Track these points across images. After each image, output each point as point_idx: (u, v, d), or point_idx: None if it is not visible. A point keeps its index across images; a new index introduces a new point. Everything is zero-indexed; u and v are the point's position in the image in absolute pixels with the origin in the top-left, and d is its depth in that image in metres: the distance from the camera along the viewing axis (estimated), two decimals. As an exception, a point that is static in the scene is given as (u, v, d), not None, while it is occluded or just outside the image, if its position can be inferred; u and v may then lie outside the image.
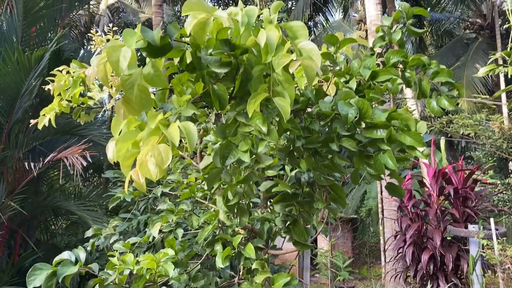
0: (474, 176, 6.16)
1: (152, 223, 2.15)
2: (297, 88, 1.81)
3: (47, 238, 6.71)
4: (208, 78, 1.37)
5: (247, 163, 1.33)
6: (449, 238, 5.71)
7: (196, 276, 2.17)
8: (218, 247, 2.14)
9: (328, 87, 1.85)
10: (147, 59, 1.27)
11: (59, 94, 1.81)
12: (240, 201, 1.75)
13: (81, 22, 13.81)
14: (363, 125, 1.64)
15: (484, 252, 4.64)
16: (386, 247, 7.75)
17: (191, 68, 1.36)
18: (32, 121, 2.04)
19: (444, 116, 7.36)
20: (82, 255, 1.87)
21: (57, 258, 1.82)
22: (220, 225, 2.20)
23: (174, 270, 2.02)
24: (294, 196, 1.87)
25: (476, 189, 6.27)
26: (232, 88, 1.40)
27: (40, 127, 1.88)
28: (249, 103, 1.31)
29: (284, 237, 2.09)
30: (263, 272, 2.02)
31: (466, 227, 5.33)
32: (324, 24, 16.37)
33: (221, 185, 2.02)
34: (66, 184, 6.86)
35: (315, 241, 12.20)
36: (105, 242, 2.79)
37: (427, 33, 17.17)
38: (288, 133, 1.68)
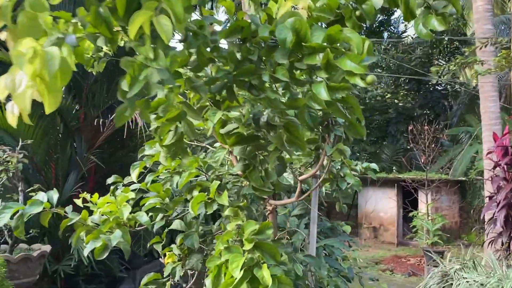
0: None
1: (133, 168, 2.13)
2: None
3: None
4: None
5: (126, 92, 1.19)
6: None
7: (176, 223, 2.12)
8: (196, 193, 2.06)
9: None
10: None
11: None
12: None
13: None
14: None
15: None
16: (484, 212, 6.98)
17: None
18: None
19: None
20: (55, 197, 1.93)
21: (32, 199, 1.89)
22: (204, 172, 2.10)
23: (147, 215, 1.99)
24: (251, 138, 1.69)
25: None
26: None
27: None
28: (130, 24, 1.17)
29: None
30: (235, 219, 1.89)
31: None
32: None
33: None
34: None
35: (415, 203, 11.51)
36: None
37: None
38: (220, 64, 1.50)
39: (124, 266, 6.40)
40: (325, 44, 1.32)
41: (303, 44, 1.35)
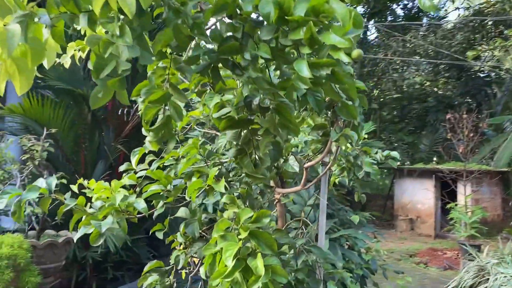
0: None
1: (133, 154, 2.10)
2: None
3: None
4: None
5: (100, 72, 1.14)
6: None
7: (181, 210, 2.08)
8: (194, 179, 2.01)
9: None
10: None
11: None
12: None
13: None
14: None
15: None
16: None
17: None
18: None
19: None
20: (54, 183, 1.92)
21: (30, 185, 1.90)
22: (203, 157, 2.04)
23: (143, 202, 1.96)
24: (243, 122, 1.61)
25: None
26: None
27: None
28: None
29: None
30: (231, 207, 1.83)
31: None
32: None
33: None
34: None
35: (453, 194, 11.06)
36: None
37: None
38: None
39: (152, 253, 6.50)
40: (308, 17, 1.21)
41: (287, 18, 1.25)
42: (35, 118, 5.18)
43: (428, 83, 17.63)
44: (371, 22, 16.29)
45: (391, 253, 9.77)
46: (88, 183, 1.94)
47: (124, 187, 2.12)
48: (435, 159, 15.05)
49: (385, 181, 18.93)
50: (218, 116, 1.68)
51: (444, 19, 17.92)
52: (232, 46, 1.35)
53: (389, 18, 16.96)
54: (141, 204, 1.94)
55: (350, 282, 3.55)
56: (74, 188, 1.93)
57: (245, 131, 1.64)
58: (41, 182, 1.94)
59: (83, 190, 1.98)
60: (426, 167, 12.79)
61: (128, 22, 1.15)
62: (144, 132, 1.58)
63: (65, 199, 1.95)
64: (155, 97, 1.45)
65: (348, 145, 3.13)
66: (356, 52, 1.18)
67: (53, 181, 1.95)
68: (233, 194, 1.89)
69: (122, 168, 2.45)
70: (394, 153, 3.11)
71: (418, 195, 13.29)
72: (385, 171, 16.91)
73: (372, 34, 18.00)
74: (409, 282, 4.11)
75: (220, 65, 1.47)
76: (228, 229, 1.82)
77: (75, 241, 1.84)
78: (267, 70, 1.54)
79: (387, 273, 4.03)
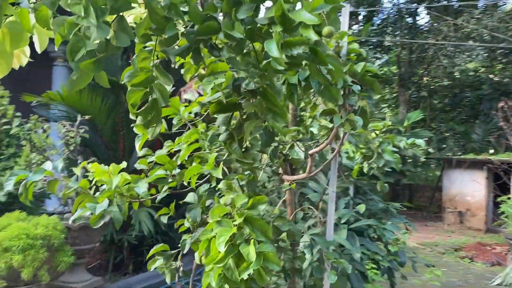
0: None
1: (137, 140, 2.12)
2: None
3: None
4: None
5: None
6: None
7: (190, 195, 2.09)
8: (194, 164, 2.00)
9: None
10: None
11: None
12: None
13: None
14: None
15: None
16: None
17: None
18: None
19: None
20: (60, 166, 1.98)
21: (37, 167, 1.96)
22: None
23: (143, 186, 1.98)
24: (233, 106, 1.57)
25: None
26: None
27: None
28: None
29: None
30: (227, 192, 1.80)
31: None
32: None
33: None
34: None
35: (504, 187, 10.45)
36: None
37: None
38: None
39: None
40: (280, -6, 1.16)
41: (261, -5, 1.20)
42: (73, 106, 5.39)
43: (482, 70, 16.70)
44: (422, 6, 15.57)
45: (435, 246, 9.43)
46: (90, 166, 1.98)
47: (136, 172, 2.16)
48: (491, 150, 14.29)
49: (435, 171, 18.23)
50: (208, 100, 1.66)
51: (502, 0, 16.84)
52: (210, 26, 1.32)
53: (443, 2, 16.15)
54: (141, 188, 1.96)
55: (374, 274, 3.45)
56: (77, 171, 1.97)
57: (236, 115, 1.61)
58: (47, 165, 2.00)
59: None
60: (476, 157, 12.17)
61: (102, 3, 1.14)
62: (131, 116, 1.58)
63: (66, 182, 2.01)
64: (138, 80, 1.44)
65: (373, 133, 3.03)
66: (327, 29, 1.12)
67: (60, 164, 2.01)
68: (231, 180, 1.87)
69: (141, 153, 2.49)
70: (419, 141, 2.96)
71: (467, 187, 12.70)
72: (434, 161, 16.30)
73: (422, 19, 17.22)
74: (437, 276, 3.92)
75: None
76: (226, 215, 1.80)
77: (70, 222, 1.89)
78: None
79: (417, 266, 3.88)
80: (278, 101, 1.46)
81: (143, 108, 1.52)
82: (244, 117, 1.53)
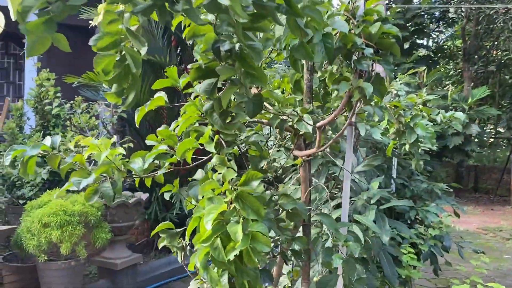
0: None
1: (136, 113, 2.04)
2: None
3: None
4: None
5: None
6: None
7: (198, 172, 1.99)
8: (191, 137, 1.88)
9: None
10: None
11: None
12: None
13: None
14: None
15: None
16: None
17: None
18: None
19: None
20: (57, 140, 1.94)
21: (34, 142, 1.94)
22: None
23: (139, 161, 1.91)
24: (213, 72, 1.42)
25: None
26: None
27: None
28: None
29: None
30: (220, 167, 1.67)
31: None
32: None
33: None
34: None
35: None
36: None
37: None
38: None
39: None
40: None
41: None
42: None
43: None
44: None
45: (499, 231, 8.77)
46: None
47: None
48: None
49: (505, 152, 16.96)
50: (190, 66, 1.53)
51: None
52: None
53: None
54: (137, 165, 1.88)
55: (411, 259, 3.20)
56: (70, 145, 1.93)
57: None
58: (46, 140, 1.97)
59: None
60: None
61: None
62: (104, 84, 1.48)
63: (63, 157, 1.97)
64: (103, 43, 1.33)
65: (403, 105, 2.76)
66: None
67: (58, 139, 1.97)
68: (226, 155, 1.73)
69: (159, 130, 2.42)
70: (459, 114, 2.65)
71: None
72: (504, 141, 15.16)
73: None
74: (485, 263, 3.59)
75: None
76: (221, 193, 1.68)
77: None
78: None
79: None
80: (256, 65, 1.29)
81: (114, 75, 1.42)
82: (221, 81, 1.38)
